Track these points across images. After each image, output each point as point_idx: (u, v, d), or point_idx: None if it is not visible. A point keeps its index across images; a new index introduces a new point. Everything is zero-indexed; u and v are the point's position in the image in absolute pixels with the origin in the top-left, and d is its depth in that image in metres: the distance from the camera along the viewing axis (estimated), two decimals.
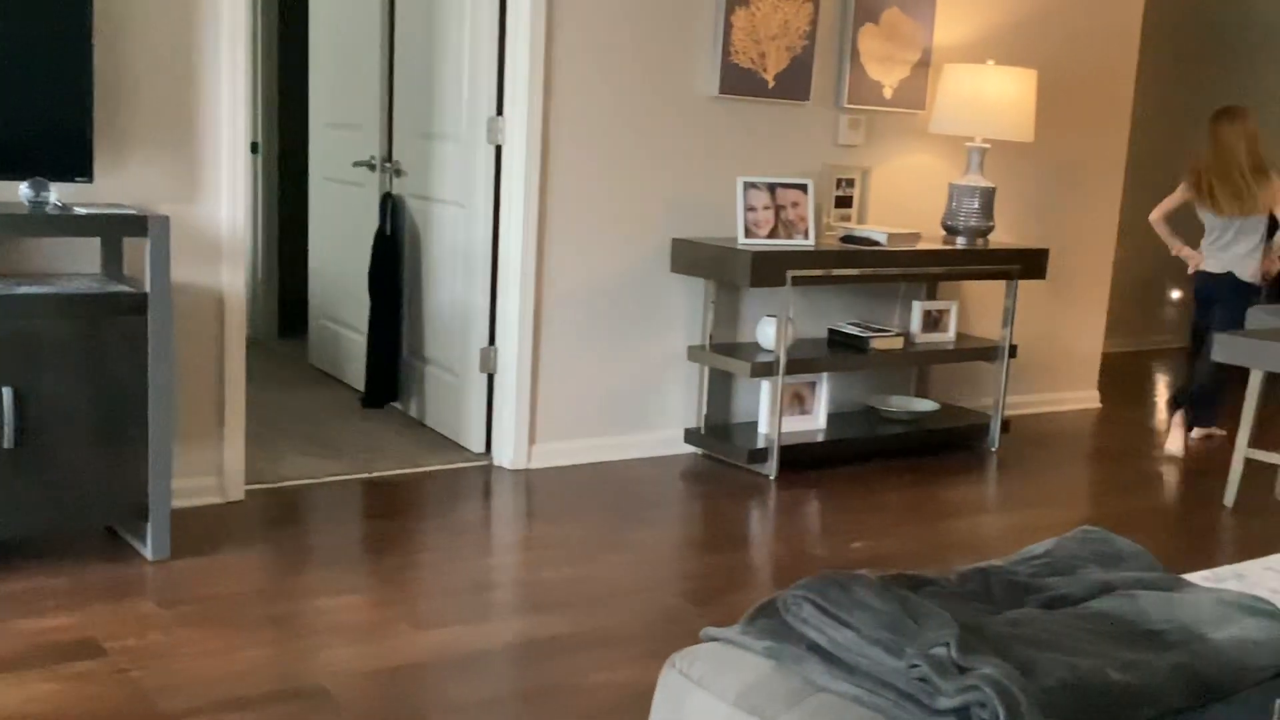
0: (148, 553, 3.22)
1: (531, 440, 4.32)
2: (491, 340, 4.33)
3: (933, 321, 4.94)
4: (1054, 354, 5.62)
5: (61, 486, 3.08)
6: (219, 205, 3.58)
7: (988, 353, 4.95)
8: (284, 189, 6.19)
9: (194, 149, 3.52)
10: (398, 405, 4.85)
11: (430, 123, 4.55)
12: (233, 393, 3.69)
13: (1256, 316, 4.59)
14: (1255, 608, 1.87)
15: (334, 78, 5.31)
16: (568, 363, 4.34)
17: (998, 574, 1.96)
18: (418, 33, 4.61)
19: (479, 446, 4.39)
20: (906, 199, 5.02)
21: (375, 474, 4.15)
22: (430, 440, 4.54)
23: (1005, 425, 4.97)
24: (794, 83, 4.57)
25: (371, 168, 4.94)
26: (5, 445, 2.97)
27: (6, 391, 2.95)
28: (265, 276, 6.15)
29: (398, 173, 4.79)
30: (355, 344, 5.07)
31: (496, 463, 4.33)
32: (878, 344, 4.64)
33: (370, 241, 4.79)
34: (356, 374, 5.02)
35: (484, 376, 4.35)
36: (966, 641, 1.53)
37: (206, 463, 3.67)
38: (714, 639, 1.76)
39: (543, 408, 4.32)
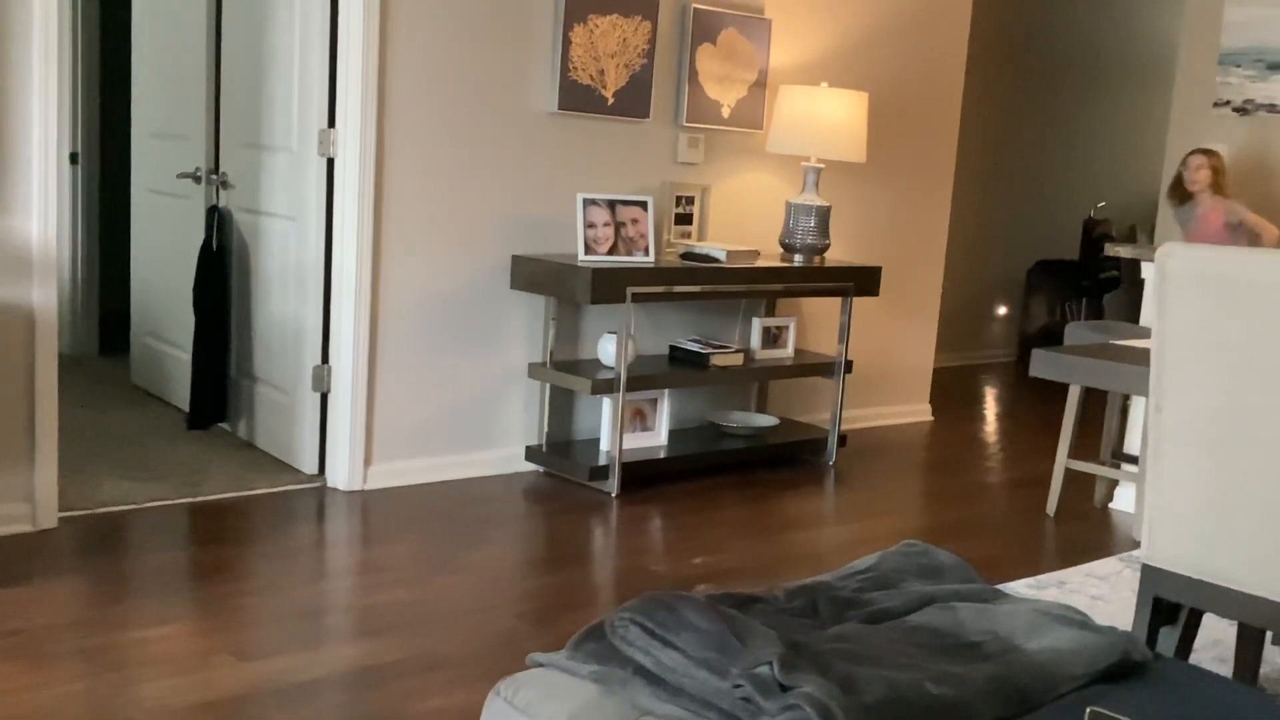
0: None
1: (367, 460, 4.21)
2: (325, 358, 4.21)
3: (772, 338, 5.01)
4: (888, 368, 5.78)
5: None
6: (29, 218, 3.39)
7: (825, 368, 5.05)
8: (106, 201, 5.92)
9: (2, 160, 3.32)
10: (225, 426, 4.68)
11: (259, 134, 4.41)
12: (44, 415, 3.49)
13: (1075, 333, 4.80)
14: (1067, 618, 1.94)
15: (158, 85, 5.10)
16: (405, 381, 4.25)
17: (824, 590, 1.98)
18: (246, 40, 4.46)
19: (312, 468, 4.26)
20: (745, 217, 5.09)
21: (201, 498, 3.99)
22: (260, 462, 4.39)
23: (842, 439, 5.08)
24: (633, 100, 4.59)
25: (197, 180, 4.76)
26: None
27: None
28: (85, 292, 5.86)
29: (225, 185, 4.63)
30: (180, 362, 4.87)
31: (330, 484, 4.21)
32: (718, 360, 4.69)
33: (195, 256, 4.61)
34: (181, 393, 4.82)
35: (317, 395, 4.23)
36: (789, 660, 1.54)
37: (16, 489, 3.46)
38: (540, 664, 1.73)
39: (379, 427, 4.22)
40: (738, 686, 1.52)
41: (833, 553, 3.99)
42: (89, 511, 3.74)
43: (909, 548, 2.15)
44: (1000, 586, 2.27)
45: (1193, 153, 5.22)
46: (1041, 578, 3.79)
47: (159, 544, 3.69)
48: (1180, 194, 5.22)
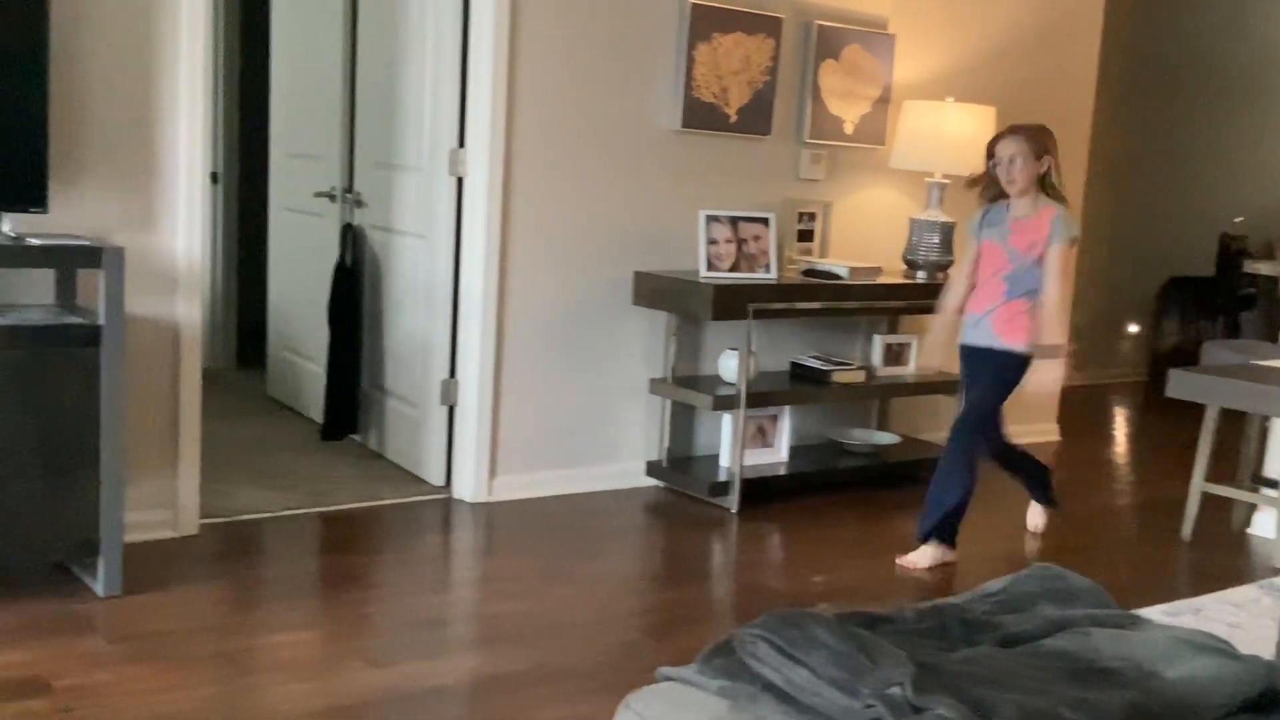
0: (98, 588, 3.16)
1: (492, 473, 4.29)
2: (452, 372, 4.30)
3: (894, 355, 4.96)
4: None
5: (11, 520, 3.02)
6: (176, 236, 3.54)
7: (948, 386, 4.97)
8: (244, 219, 6.15)
9: (151, 179, 3.49)
10: (357, 437, 4.81)
11: (391, 154, 4.54)
12: (187, 425, 3.64)
13: (1213, 353, 4.64)
14: (1208, 645, 1.88)
15: (295, 107, 5.29)
16: (529, 395, 4.32)
17: (953, 611, 1.95)
18: (380, 63, 4.60)
19: (439, 479, 4.36)
20: (868, 233, 5.05)
21: (332, 507, 4.10)
22: (389, 473, 4.50)
23: None
24: (756, 117, 4.60)
25: (332, 198, 4.92)
26: None
27: None
28: (224, 307, 6.09)
29: (358, 203, 4.77)
30: (314, 375, 5.02)
31: (456, 495, 4.30)
32: (839, 377, 4.66)
33: (330, 272, 4.75)
34: (315, 406, 4.97)
35: (444, 409, 4.32)
36: (922, 681, 1.52)
37: (160, 496, 3.62)
38: (669, 679, 1.74)
39: (503, 440, 4.30)
40: (869, 706, 1.51)
41: (954, 574, 3.92)
42: (227, 519, 3.89)
43: (1042, 571, 2.11)
44: (1134, 612, 2.21)
45: None
46: (1176, 604, 3.64)
47: (292, 551, 3.82)
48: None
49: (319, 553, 3.86)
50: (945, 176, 4.86)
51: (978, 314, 3.91)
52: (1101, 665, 1.80)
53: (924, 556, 3.91)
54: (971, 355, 3.98)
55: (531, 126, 4.17)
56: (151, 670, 2.80)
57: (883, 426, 5.17)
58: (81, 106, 3.33)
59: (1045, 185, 3.85)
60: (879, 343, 4.93)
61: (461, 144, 4.17)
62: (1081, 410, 6.61)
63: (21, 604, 3.08)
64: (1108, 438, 6.33)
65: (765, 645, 1.64)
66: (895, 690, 1.51)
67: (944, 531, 3.92)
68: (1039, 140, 3.81)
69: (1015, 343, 3.85)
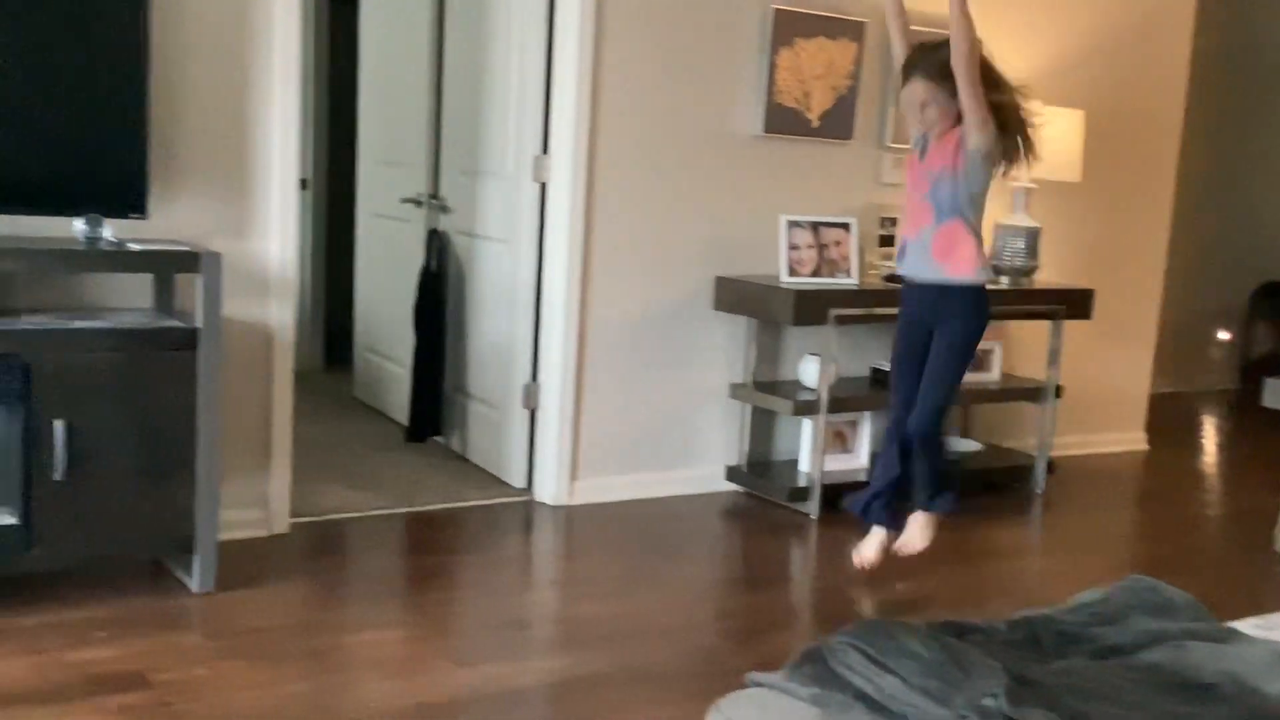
0: (194, 585, 3.24)
1: (573, 476, 4.32)
2: (534, 376, 4.35)
3: (977, 361, 4.90)
4: (1100, 395, 5.56)
5: (110, 518, 3.12)
6: (269, 241, 3.63)
7: (1033, 393, 4.91)
8: (332, 224, 6.27)
9: (246, 186, 3.58)
10: (440, 439, 4.88)
11: (476, 160, 4.60)
12: (279, 426, 3.72)
13: None
14: None
15: (383, 115, 5.38)
16: (610, 399, 4.35)
17: (1046, 622, 1.93)
18: (466, 72, 4.67)
19: (521, 482, 4.40)
20: None
21: (417, 508, 4.17)
22: (472, 475, 4.56)
23: (1050, 466, 4.92)
24: (837, 122, 4.58)
25: (418, 204, 5.00)
26: (56, 477, 3.01)
27: (58, 425, 3.00)
28: (312, 310, 6.21)
29: (443, 209, 4.84)
30: (399, 378, 5.11)
31: (538, 498, 4.34)
32: None
33: (416, 276, 4.83)
34: (400, 407, 5.05)
35: (526, 412, 4.37)
36: (1016, 692, 1.52)
37: (252, 495, 3.70)
38: (759, 685, 1.75)
39: (584, 444, 4.33)
40: (963, 717, 1.51)
41: (1041, 585, 3.87)
42: (317, 518, 3.97)
43: (1136, 582, 2.08)
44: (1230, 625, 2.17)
45: None
46: (1269, 617, 3.56)
47: (379, 551, 3.88)
48: None
49: (405, 552, 3.93)
50: (1032, 181, 4.80)
51: (912, 238, 3.40)
52: (1199, 680, 1.77)
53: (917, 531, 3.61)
54: (919, 297, 3.43)
55: (614, 133, 4.20)
56: (245, 666, 2.87)
57: (965, 434, 5.11)
58: (179, 115, 3.43)
59: (1003, 120, 3.24)
60: None
61: (545, 150, 4.21)
62: (1170, 418, 6.47)
63: (120, 600, 3.18)
64: (1197, 447, 6.19)
65: (856, 653, 1.64)
66: (989, 701, 1.51)
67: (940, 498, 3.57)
68: (950, 68, 3.17)
69: (962, 273, 3.33)
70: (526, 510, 4.26)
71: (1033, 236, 4.80)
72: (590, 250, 4.22)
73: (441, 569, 3.70)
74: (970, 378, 4.85)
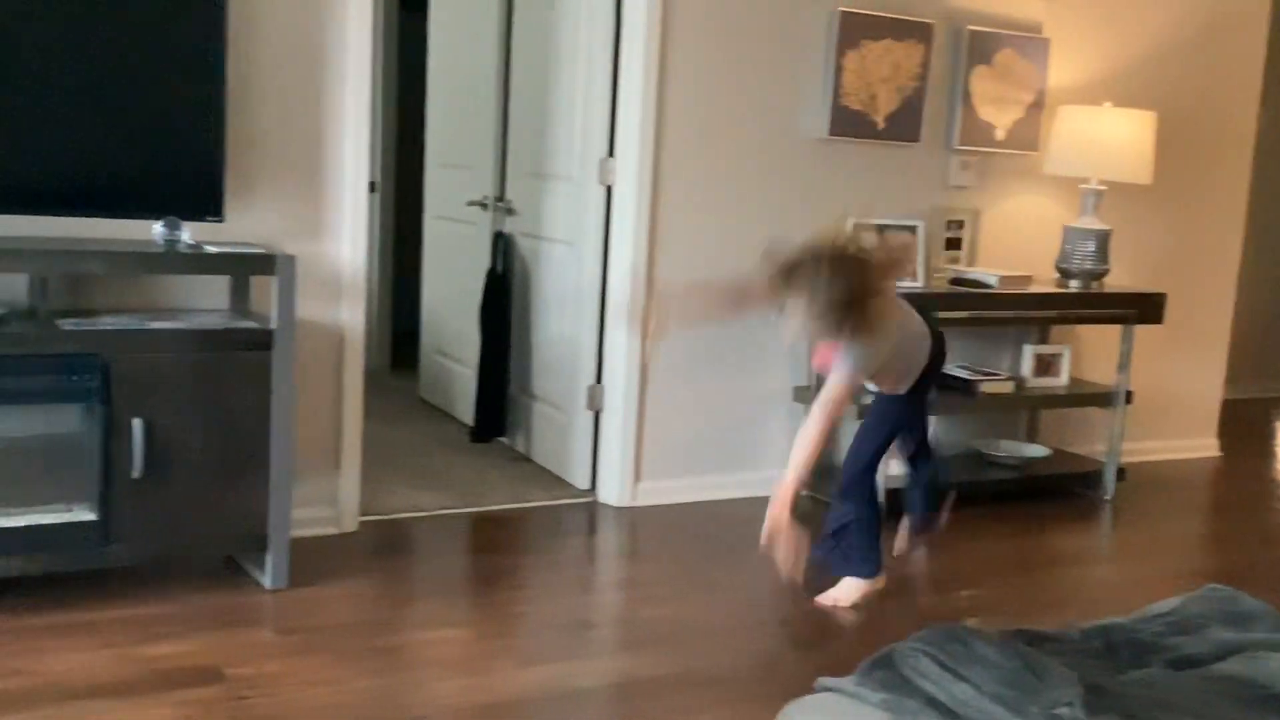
0: (266, 581, 3.30)
1: (636, 478, 4.33)
2: (598, 378, 4.37)
3: (1044, 365, 4.85)
4: (1171, 400, 5.47)
5: (186, 515, 3.18)
6: (341, 244, 3.68)
7: (1102, 398, 4.85)
8: (398, 226, 6.35)
9: (318, 189, 3.64)
10: (505, 440, 4.91)
11: (542, 163, 4.64)
12: (349, 426, 3.78)
13: None
14: None
15: (450, 119, 5.44)
16: (673, 402, 4.35)
17: (1121, 631, 1.91)
18: (533, 76, 4.71)
19: (584, 483, 4.42)
20: (1018, 241, 4.95)
21: (482, 508, 4.21)
22: (537, 476, 4.59)
23: (1120, 473, 4.85)
24: (904, 124, 4.55)
25: (484, 207, 5.04)
26: (134, 475, 3.08)
27: (137, 423, 3.07)
28: (379, 311, 6.29)
29: (509, 212, 4.88)
30: (465, 379, 5.15)
31: (601, 499, 4.36)
32: (987, 387, 4.57)
33: (481, 279, 4.87)
34: (465, 408, 5.10)
35: (590, 414, 4.39)
36: (1092, 702, 1.50)
37: (322, 494, 3.76)
38: (828, 689, 1.75)
39: (648, 445, 4.34)
40: None
41: (1112, 594, 3.81)
42: (384, 517, 4.02)
43: (1213, 592, 2.05)
44: None
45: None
46: None
47: (446, 550, 3.93)
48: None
49: (470, 552, 3.97)
50: (1102, 183, 4.74)
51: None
52: (1277, 691, 1.74)
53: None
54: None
55: (680, 135, 4.21)
56: (316, 662, 2.91)
57: (1031, 439, 5.06)
58: (255, 120, 3.49)
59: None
60: (1029, 353, 4.82)
61: (611, 153, 4.23)
62: (1243, 424, 6.34)
63: (195, 595, 3.24)
64: (1271, 453, 6.06)
65: (928, 659, 1.63)
66: (1064, 710, 1.49)
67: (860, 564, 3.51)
68: (845, 305, 2.88)
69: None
70: (590, 511, 4.29)
71: (1102, 239, 4.74)
72: (655, 252, 4.23)
73: (506, 569, 3.73)
74: (1038, 381, 4.82)
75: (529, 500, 4.32)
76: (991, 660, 1.61)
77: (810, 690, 1.85)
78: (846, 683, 1.72)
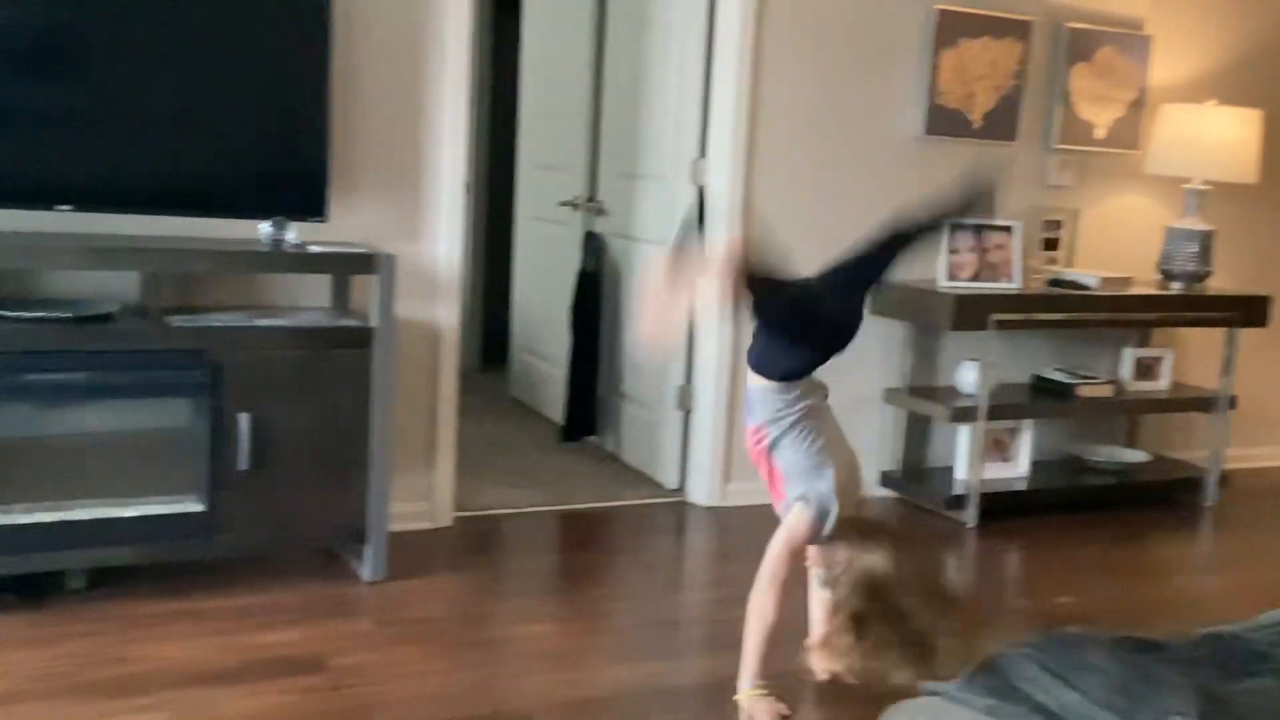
0: (365, 573, 3.37)
1: (726, 478, 4.34)
2: (688, 378, 4.38)
3: (1145, 369, 4.75)
4: (1277, 406, 5.32)
5: (289, 508, 3.26)
6: (437, 244, 3.74)
7: (1204, 403, 4.73)
8: (490, 226, 6.42)
9: (416, 190, 3.70)
10: (595, 439, 4.95)
11: (634, 163, 4.66)
12: (444, 423, 3.84)
13: None
14: None
15: (543, 120, 5.49)
16: None
17: (1232, 639, 1.87)
18: (626, 76, 4.73)
19: (674, 482, 4.44)
20: (1118, 242, 4.85)
21: (572, 506, 4.24)
22: (626, 475, 4.61)
23: (1223, 480, 4.73)
24: (1001, 123, 4.49)
25: (575, 207, 5.08)
26: (240, 468, 3.17)
27: (243, 418, 3.15)
28: (470, 310, 6.37)
29: (601, 212, 4.92)
30: (555, 378, 5.20)
31: (691, 499, 4.37)
32: (1085, 391, 4.50)
33: (572, 278, 4.91)
34: (555, 407, 5.14)
35: (680, 413, 4.40)
36: (1207, 711, 1.47)
37: (417, 489, 3.82)
38: (933, 694, 1.74)
39: (738, 446, 4.33)
40: None
41: (1214, 602, 3.72)
42: (477, 513, 4.07)
43: None
44: None
45: None
46: None
47: (536, 547, 3.97)
48: None
49: (561, 549, 4.00)
50: (1205, 183, 4.63)
51: None
52: None
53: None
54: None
55: (773, 135, 4.20)
56: (414, 653, 2.97)
57: (1131, 444, 4.95)
58: (356, 123, 3.56)
59: None
60: (1129, 356, 4.73)
61: (703, 153, 4.24)
62: None
63: (297, 587, 3.32)
64: None
65: (1035, 666, 1.61)
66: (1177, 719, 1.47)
67: None
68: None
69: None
70: (679, 511, 4.30)
71: (1206, 240, 4.63)
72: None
73: (596, 567, 3.76)
74: (1138, 386, 4.72)
75: (618, 499, 4.34)
76: (1101, 667, 1.58)
77: (910, 695, 1.84)
78: (951, 687, 1.71)
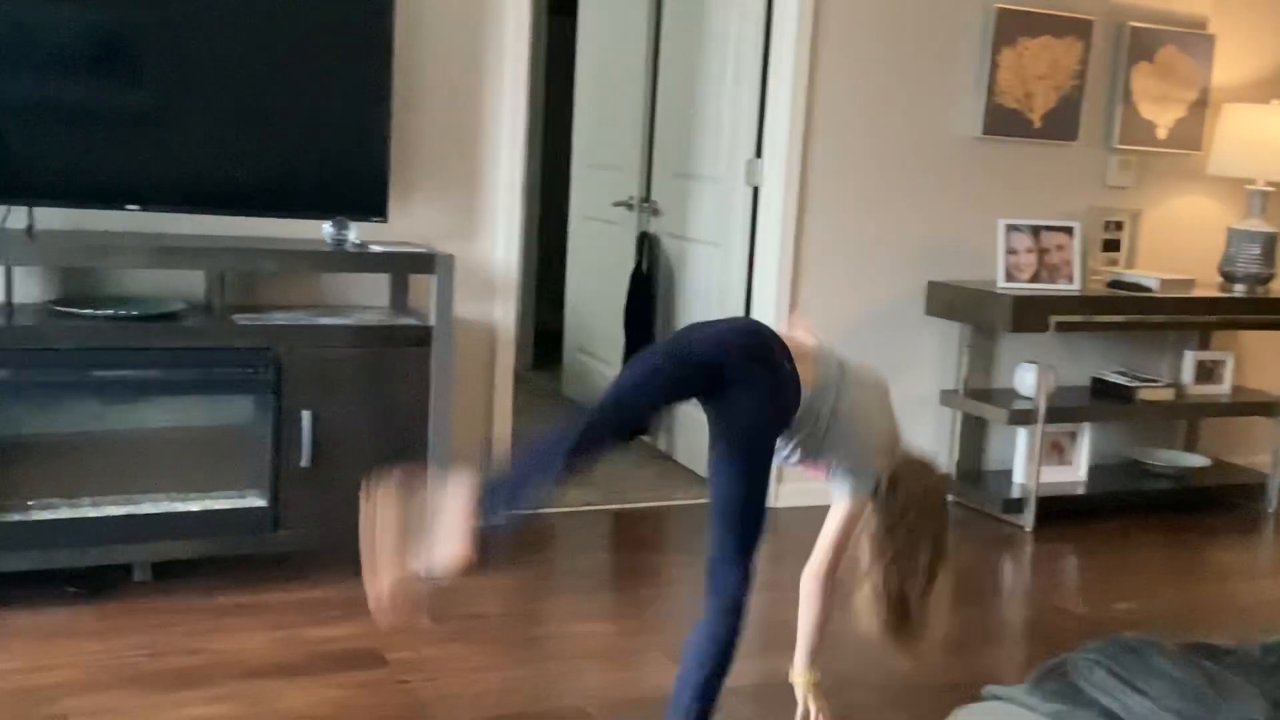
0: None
1: (778, 479, 4.33)
2: None
3: (1206, 372, 4.69)
4: None
5: (349, 504, 3.27)
6: (494, 244, 3.77)
7: (1268, 407, 4.66)
8: (544, 227, 6.45)
9: (474, 191, 3.73)
10: (647, 439, 4.96)
11: (689, 164, 4.66)
12: (500, 421, 3.87)
13: None
14: None
15: (597, 121, 5.51)
16: None
17: None
18: (681, 77, 4.74)
19: None
20: (1180, 243, 4.79)
21: (625, 505, 4.25)
22: (678, 474, 4.62)
23: None
24: (1061, 123, 4.45)
25: (629, 207, 5.10)
26: (302, 464, 3.21)
27: (306, 414, 3.20)
28: (523, 309, 6.40)
29: (655, 212, 4.93)
30: (609, 377, 5.20)
31: None
32: (1145, 394, 4.44)
33: (626, 279, 4.93)
34: None
35: None
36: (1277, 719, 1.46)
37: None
38: (998, 698, 1.73)
39: None
40: None
41: (1272, 608, 3.67)
42: (530, 511, 4.08)
43: None
44: None
45: None
46: None
47: (589, 545, 3.98)
48: None
49: (615, 548, 4.02)
50: (1269, 184, 4.56)
51: None
52: None
53: None
54: None
55: (828, 136, 4.19)
56: (472, 649, 2.99)
57: (1190, 448, 4.89)
58: (416, 124, 3.60)
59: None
60: (1190, 359, 4.67)
61: (758, 154, 4.23)
62: None
63: (354, 582, 3.31)
64: None
65: (1102, 671, 1.60)
66: None
67: None
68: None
69: None
70: None
71: (1269, 242, 4.56)
72: (801, 253, 4.22)
73: (650, 565, 3.77)
74: (1199, 389, 4.66)
75: (671, 498, 4.35)
76: (1170, 674, 1.57)
77: (970, 699, 1.83)
78: (1017, 691, 1.70)
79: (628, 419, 2.39)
